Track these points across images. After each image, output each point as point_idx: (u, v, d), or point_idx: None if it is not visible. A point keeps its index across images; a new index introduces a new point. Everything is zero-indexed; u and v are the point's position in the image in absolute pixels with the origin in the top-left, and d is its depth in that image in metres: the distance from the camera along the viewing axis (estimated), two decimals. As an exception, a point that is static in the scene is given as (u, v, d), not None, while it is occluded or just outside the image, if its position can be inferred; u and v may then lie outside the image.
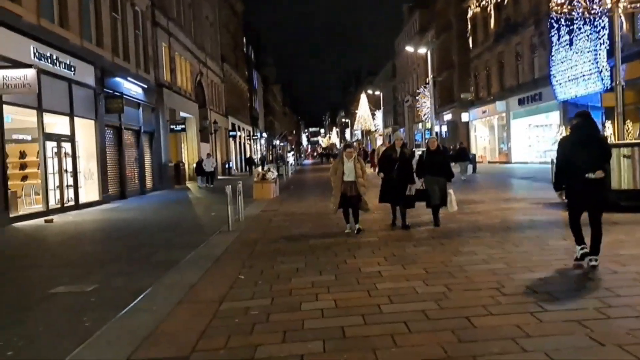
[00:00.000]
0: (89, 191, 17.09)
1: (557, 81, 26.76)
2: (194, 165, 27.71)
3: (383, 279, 5.61)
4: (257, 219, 11.84)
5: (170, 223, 12.25)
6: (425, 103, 39.70)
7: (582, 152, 5.50)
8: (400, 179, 8.87)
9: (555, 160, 6.28)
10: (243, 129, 50.81)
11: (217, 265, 6.96)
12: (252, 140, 57.45)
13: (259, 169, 18.89)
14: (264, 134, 69.78)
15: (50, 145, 15.03)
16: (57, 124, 15.73)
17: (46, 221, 12.60)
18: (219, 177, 35.54)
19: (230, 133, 41.81)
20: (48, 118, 14.88)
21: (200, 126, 31.53)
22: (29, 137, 14.81)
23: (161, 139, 24.24)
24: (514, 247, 6.93)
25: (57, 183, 15.25)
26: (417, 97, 42.95)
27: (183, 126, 25.44)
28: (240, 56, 53.28)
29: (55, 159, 15.31)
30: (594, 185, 5.46)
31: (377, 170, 11.79)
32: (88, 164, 17.33)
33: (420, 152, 11.10)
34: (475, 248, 6.93)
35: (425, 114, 40.63)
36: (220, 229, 10.30)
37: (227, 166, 40.50)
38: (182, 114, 28.02)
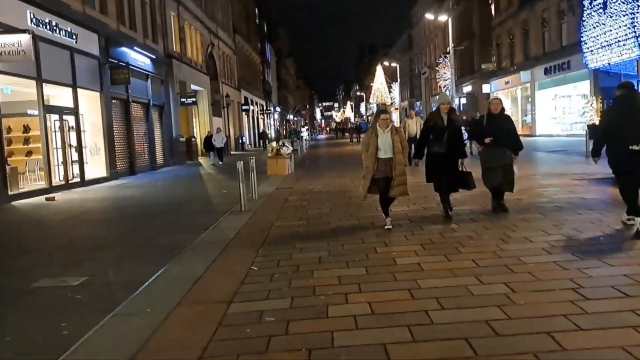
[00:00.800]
0: (96, 167, 16.29)
1: (588, 48, 25.14)
2: (203, 140, 26.54)
3: (425, 274, 4.63)
4: (271, 197, 10.90)
5: (179, 202, 11.37)
6: (445, 74, 38.09)
7: (626, 124, 5.56)
8: (450, 154, 6.92)
9: (591, 129, 6.41)
10: (256, 103, 49.69)
11: (227, 252, 6.04)
12: (265, 115, 56.34)
13: (273, 143, 17.86)
14: (278, 108, 68.55)
15: (53, 119, 14.17)
16: (59, 96, 14.85)
17: (47, 199, 11.81)
18: (232, 153, 34.69)
19: (243, 107, 40.74)
20: (49, 89, 14.00)
21: (212, 99, 30.52)
22: (34, 111, 13.96)
23: (171, 113, 23.31)
24: (576, 231, 5.88)
25: (60, 159, 14.43)
26: (436, 68, 41.26)
27: (194, 99, 24.45)
28: (253, 28, 51.78)
29: (58, 133, 14.46)
30: (637, 156, 5.50)
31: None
32: (94, 139, 16.49)
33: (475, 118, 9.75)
34: (528, 233, 5.90)
35: (445, 86, 39.04)
36: (232, 208, 9.40)
37: (240, 141, 39.60)
38: (193, 87, 27.01)
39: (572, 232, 5.87)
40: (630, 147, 5.43)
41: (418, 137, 10.68)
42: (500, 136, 6.95)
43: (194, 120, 28.36)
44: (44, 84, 13.42)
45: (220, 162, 23.13)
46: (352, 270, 4.94)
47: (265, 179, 15.03)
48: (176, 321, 3.88)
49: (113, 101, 17.71)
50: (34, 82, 13.19)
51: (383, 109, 6.76)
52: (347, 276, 4.72)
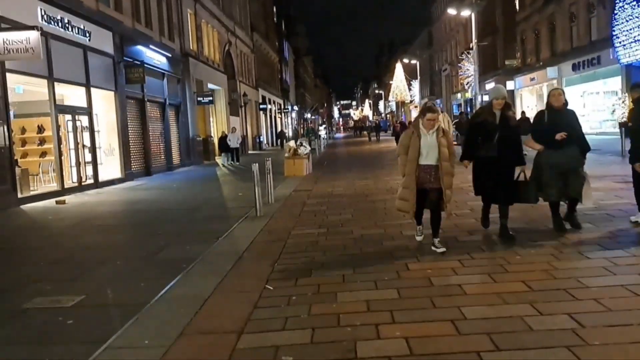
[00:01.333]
0: (110, 168, 15.88)
1: (620, 42, 24.04)
2: (218, 140, 25.63)
3: (469, 300, 3.95)
4: (289, 201, 10.29)
5: (192, 205, 10.82)
6: (469, 70, 37.07)
7: None
8: (503, 158, 5.65)
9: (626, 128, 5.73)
10: (274, 102, 49.23)
11: (239, 267, 5.43)
12: (282, 114, 55.86)
13: (291, 143, 17.20)
14: (295, 107, 68.05)
15: (66, 119, 13.76)
16: (72, 95, 14.45)
17: (57, 202, 11.38)
18: (249, 152, 34.23)
19: (261, 106, 40.28)
20: (61, 89, 13.61)
21: (229, 98, 30.06)
22: (47, 110, 13.58)
23: (188, 112, 22.87)
24: (638, 246, 5.13)
25: (74, 160, 14.03)
26: (459, 64, 40.23)
27: (211, 98, 24.00)
28: (271, 26, 51.30)
29: (71, 134, 14.06)
30: None
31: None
32: (109, 139, 16.08)
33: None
34: (582, 248, 5.17)
35: (468, 82, 38.02)
36: (247, 213, 8.81)
37: (258, 141, 39.15)
38: (210, 86, 26.57)
39: (633, 246, 5.12)
40: None
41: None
42: (567, 134, 5.70)
43: (211, 119, 27.92)
44: (55, 83, 13.00)
45: (237, 162, 22.44)
46: (382, 292, 4.28)
47: (282, 180, 14.45)
48: (177, 357, 3.28)
49: (128, 101, 17.30)
50: (45, 82, 12.78)
51: (430, 106, 5.40)
52: (377, 301, 4.07)
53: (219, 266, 5.43)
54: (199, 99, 23.66)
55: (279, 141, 49.40)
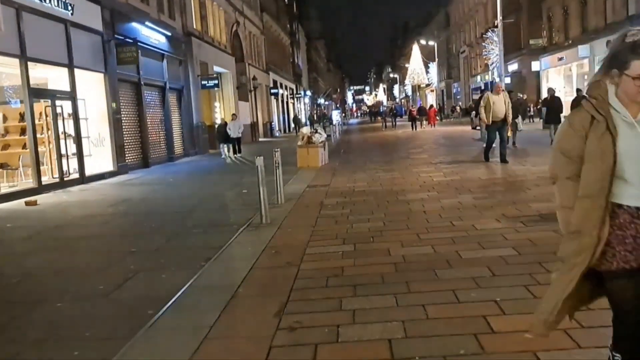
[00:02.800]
0: (100, 160, 14.13)
1: (667, 15, 21.66)
2: (217, 129, 21.35)
3: None
4: (302, 201, 8.43)
5: (185, 207, 9.01)
6: (493, 50, 34.70)
7: None
8: None
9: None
10: (285, 87, 47.20)
11: (227, 321, 3.59)
12: (295, 99, 53.83)
13: (304, 129, 15.29)
14: (308, 92, 65.92)
15: (43, 105, 12.00)
16: (51, 77, 12.66)
17: (27, 203, 9.64)
18: (260, 140, 32.41)
19: (272, 91, 38.29)
20: (38, 70, 11.81)
21: (238, 83, 28.17)
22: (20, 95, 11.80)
23: (192, 97, 21.04)
24: None
25: (54, 152, 12.28)
26: (483, 44, 37.80)
27: (216, 82, 22.11)
28: (282, 7, 49.08)
29: (52, 122, 12.28)
30: None
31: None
32: (98, 128, 14.30)
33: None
34: None
35: (492, 63, 35.65)
36: (251, 219, 6.99)
37: (269, 127, 37.29)
38: (216, 69, 24.68)
39: None
40: None
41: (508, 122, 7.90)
42: None
43: (217, 105, 26.08)
44: (29, 63, 11.21)
45: (238, 154, 19.17)
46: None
47: (294, 172, 12.61)
48: None
49: (121, 84, 15.50)
50: (17, 61, 10.99)
51: None
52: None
53: (198, 318, 3.61)
54: (203, 82, 21.80)
55: (293, 127, 47.53)
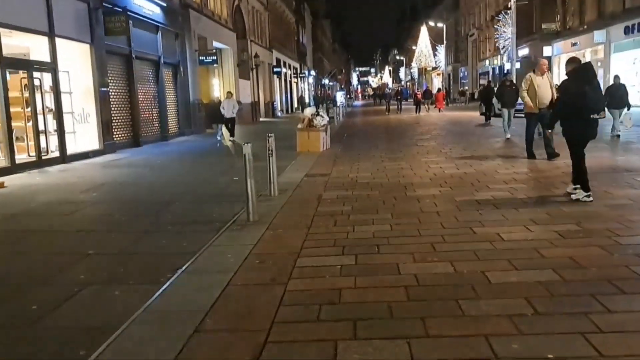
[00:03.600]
0: (85, 138, 13.15)
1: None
2: (209, 109, 19.05)
3: None
4: (297, 194, 7.46)
5: (167, 196, 8.05)
6: (505, 33, 33.34)
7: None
8: None
9: None
10: (289, 66, 45.88)
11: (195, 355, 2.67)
12: (298, 78, 52.50)
13: (307, 111, 14.23)
14: (312, 72, 64.49)
15: (19, 77, 10.98)
16: (29, 47, 11.60)
17: (-6, 186, 8.68)
18: (261, 120, 31.34)
19: (275, 69, 37.05)
20: (12, 38, 10.75)
21: (239, 59, 27.01)
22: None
23: (188, 73, 19.95)
24: None
25: (35, 128, 11.29)
26: (495, 26, 36.37)
27: (215, 58, 20.97)
28: (287, -17, 47.48)
29: (30, 96, 11.27)
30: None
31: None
32: (83, 103, 13.29)
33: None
34: None
35: (504, 46, 34.32)
36: (238, 215, 6.06)
37: (272, 107, 36.17)
38: (216, 44, 23.52)
39: None
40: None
41: (556, 109, 6.81)
42: None
43: (217, 82, 24.99)
44: (2, 30, 10.17)
45: (232, 138, 16.47)
46: None
47: (293, 157, 11.67)
48: None
49: (110, 56, 14.43)
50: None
51: None
52: None
53: (160, 351, 2.68)
54: (201, 58, 20.69)
55: (296, 108, 46.36)
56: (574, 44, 34.10)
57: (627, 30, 27.38)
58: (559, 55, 37.01)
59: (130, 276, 4.32)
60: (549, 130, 7.26)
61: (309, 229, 5.41)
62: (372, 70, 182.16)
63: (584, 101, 5.79)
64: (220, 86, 25.82)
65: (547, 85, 9.23)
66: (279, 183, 8.11)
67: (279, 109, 39.56)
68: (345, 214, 6.02)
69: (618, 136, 12.47)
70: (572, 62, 6.36)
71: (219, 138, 16.55)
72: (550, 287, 3.54)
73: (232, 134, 16.82)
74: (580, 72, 6.07)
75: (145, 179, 9.90)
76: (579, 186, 6.06)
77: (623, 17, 27.70)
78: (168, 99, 18.40)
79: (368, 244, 4.78)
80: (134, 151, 14.52)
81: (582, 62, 6.41)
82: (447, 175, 8.42)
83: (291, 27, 49.14)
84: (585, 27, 32.31)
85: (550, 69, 38.13)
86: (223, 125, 16.39)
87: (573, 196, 6.06)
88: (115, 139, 14.29)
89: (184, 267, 4.32)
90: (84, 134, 13.04)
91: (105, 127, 13.63)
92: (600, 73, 31.49)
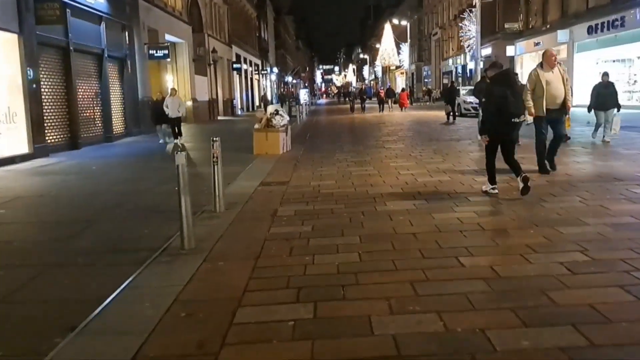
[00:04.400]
0: (10, 141, 11.61)
1: (658, -1, 20.27)
2: (151, 107, 17.01)
3: None
4: (248, 210, 6.32)
5: (90, 213, 6.78)
6: (470, 31, 32.95)
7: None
8: None
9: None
10: (250, 62, 44.44)
11: None
12: (260, 75, 51.07)
13: (270, 108, 13.04)
14: (275, 69, 63.11)
15: None
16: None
17: None
18: (219, 118, 29.92)
19: (234, 65, 35.58)
20: None
21: (195, 55, 25.55)
22: None
23: (137, 68, 18.44)
24: None
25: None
26: (460, 24, 35.96)
27: (166, 52, 19.50)
28: (248, -23, 45.99)
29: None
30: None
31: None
32: (8, 100, 11.73)
33: None
34: None
35: (469, 45, 33.94)
36: (171, 239, 4.92)
37: (231, 105, 34.73)
38: (169, 38, 22.03)
39: None
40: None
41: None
42: None
43: (170, 78, 23.50)
44: None
45: (176, 141, 14.95)
46: None
47: (249, 161, 10.56)
48: None
49: (43, 48, 12.89)
50: None
51: None
52: None
53: None
54: (151, 52, 19.21)
55: (257, 106, 44.97)
56: (536, 44, 34.06)
57: (591, 30, 27.34)
58: (521, 54, 37.01)
59: (3, 338, 3.12)
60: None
61: (258, 260, 4.31)
62: (336, 68, 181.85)
63: (505, 105, 6.06)
64: (175, 83, 24.34)
65: (559, 81, 7.39)
66: (228, 194, 7.00)
67: (239, 106, 38.14)
68: (304, 237, 4.94)
69: (608, 142, 11.25)
70: (494, 66, 6.68)
71: (161, 141, 15.03)
72: (577, 357, 2.57)
73: (177, 135, 15.19)
74: (501, 77, 6.37)
75: (71, 189, 8.54)
76: (496, 186, 6.44)
77: (586, 17, 27.65)
78: (113, 96, 16.88)
79: (331, 283, 3.72)
80: (70, 155, 13.03)
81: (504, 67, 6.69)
82: (420, 184, 7.45)
83: (252, 23, 47.68)
84: (548, 26, 32.28)
85: (513, 68, 37.85)
86: (164, 126, 15.00)
87: (484, 187, 6.55)
88: (48, 141, 12.78)
89: (80, 326, 3.15)
90: (9, 136, 11.49)
91: (36, 127, 12.11)
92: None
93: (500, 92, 6.17)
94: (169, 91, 16.15)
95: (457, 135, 15.12)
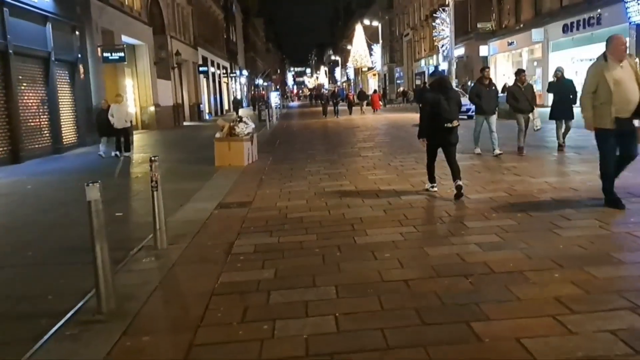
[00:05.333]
0: None
1: (634, -4, 19.77)
2: (96, 116, 14.29)
3: None
4: (198, 243, 5.11)
5: (7, 252, 5.46)
6: (444, 31, 32.25)
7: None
8: None
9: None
10: (218, 65, 42.95)
11: None
12: (229, 78, 49.58)
13: (241, 112, 11.79)
14: (244, 72, 61.63)
15: None
16: None
17: None
18: (185, 124, 28.45)
19: (201, 68, 34.10)
20: None
21: (156, 57, 24.08)
22: None
23: (90, 73, 16.96)
24: None
25: None
26: (434, 24, 35.24)
27: (122, 54, 17.99)
28: (214, -23, 44.50)
29: None
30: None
31: None
32: None
33: None
34: None
35: (443, 45, 33.24)
36: (88, 296, 3.69)
37: (198, 110, 33.24)
38: (126, 40, 20.53)
39: None
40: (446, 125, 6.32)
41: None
42: None
43: (130, 83, 22.01)
44: None
45: (127, 154, 13.21)
46: None
47: (209, 175, 9.40)
48: None
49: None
50: None
51: None
52: None
53: None
54: (105, 54, 17.72)
55: (226, 110, 43.55)
56: (510, 43, 33.60)
57: (566, 29, 26.86)
58: (494, 54, 36.53)
59: None
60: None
61: (197, 332, 3.13)
62: (308, 70, 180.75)
63: (438, 111, 6.31)
64: (135, 87, 22.85)
65: (631, 79, 5.30)
66: (176, 222, 5.82)
67: (207, 111, 36.65)
68: (263, 289, 3.78)
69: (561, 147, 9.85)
70: (434, 74, 7.14)
71: (101, 153, 13.06)
72: None
73: (125, 149, 13.27)
74: (436, 84, 6.62)
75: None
76: (435, 185, 6.86)
77: (561, 15, 27.19)
78: (62, 104, 15.38)
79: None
80: (9, 170, 11.55)
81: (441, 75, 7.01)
82: (405, 203, 6.34)
83: (220, 25, 46.17)
84: (522, 25, 31.80)
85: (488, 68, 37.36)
86: (107, 139, 13.14)
87: (427, 185, 6.90)
88: (-18, 154, 11.30)
89: None
90: None
91: (-35, 140, 10.63)
92: (538, 73, 31.09)
93: (434, 99, 6.43)
94: (115, 98, 13.91)
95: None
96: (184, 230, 5.45)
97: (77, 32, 16.38)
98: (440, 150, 6.66)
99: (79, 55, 16.52)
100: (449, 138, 6.49)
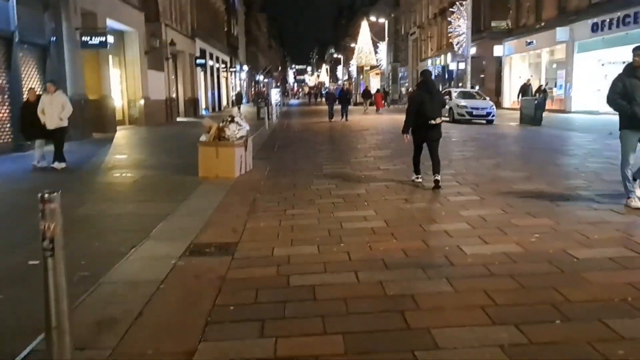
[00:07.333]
0: None
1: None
2: (21, 111, 10.45)
3: None
4: (124, 355, 2.86)
5: None
6: (460, 27, 30.02)
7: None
8: None
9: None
10: (217, 58, 40.65)
11: None
12: (229, 73, 47.26)
13: (233, 112, 9.55)
14: (245, 67, 59.32)
15: None
16: None
17: None
18: (178, 120, 26.22)
19: (198, 61, 31.79)
20: None
21: (148, 46, 21.83)
22: None
23: (66, 58, 14.72)
24: None
25: None
26: (449, 19, 32.96)
27: (103, 38, 15.69)
28: (216, -35, 42.20)
29: None
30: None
31: None
32: None
33: None
34: None
35: (458, 43, 31.00)
36: None
37: (194, 104, 30.98)
38: (113, 24, 18.27)
39: None
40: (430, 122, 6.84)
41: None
42: None
43: (116, 73, 19.78)
44: None
45: (62, 163, 9.71)
46: None
47: (189, 190, 7.19)
48: None
49: None
50: None
51: None
52: None
53: None
54: (84, 38, 15.46)
55: (225, 106, 41.37)
56: (529, 43, 31.39)
57: (595, 28, 24.65)
58: (510, 54, 34.33)
59: None
60: None
61: None
62: (309, 68, 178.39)
63: (422, 108, 6.90)
64: (122, 78, 20.62)
65: None
66: (111, 283, 3.62)
67: (204, 106, 34.38)
68: None
69: None
70: (422, 75, 7.48)
71: (35, 163, 9.77)
72: None
73: (59, 158, 9.74)
74: (422, 84, 7.20)
75: None
76: (420, 176, 7.32)
77: (589, 13, 24.99)
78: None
79: None
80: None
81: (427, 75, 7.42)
82: (469, 262, 4.11)
83: (221, 16, 43.88)
84: (542, 24, 29.60)
85: (500, 70, 34.83)
86: (42, 142, 9.84)
87: (413, 177, 7.41)
88: None
89: None
90: None
91: None
92: (561, 74, 28.80)
93: (419, 97, 7.01)
94: (46, 87, 10.40)
95: (473, 145, 11.90)
96: (115, 311, 3.25)
97: (49, 11, 14.12)
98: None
99: (54, 39, 14.26)
100: (432, 134, 7.05)
